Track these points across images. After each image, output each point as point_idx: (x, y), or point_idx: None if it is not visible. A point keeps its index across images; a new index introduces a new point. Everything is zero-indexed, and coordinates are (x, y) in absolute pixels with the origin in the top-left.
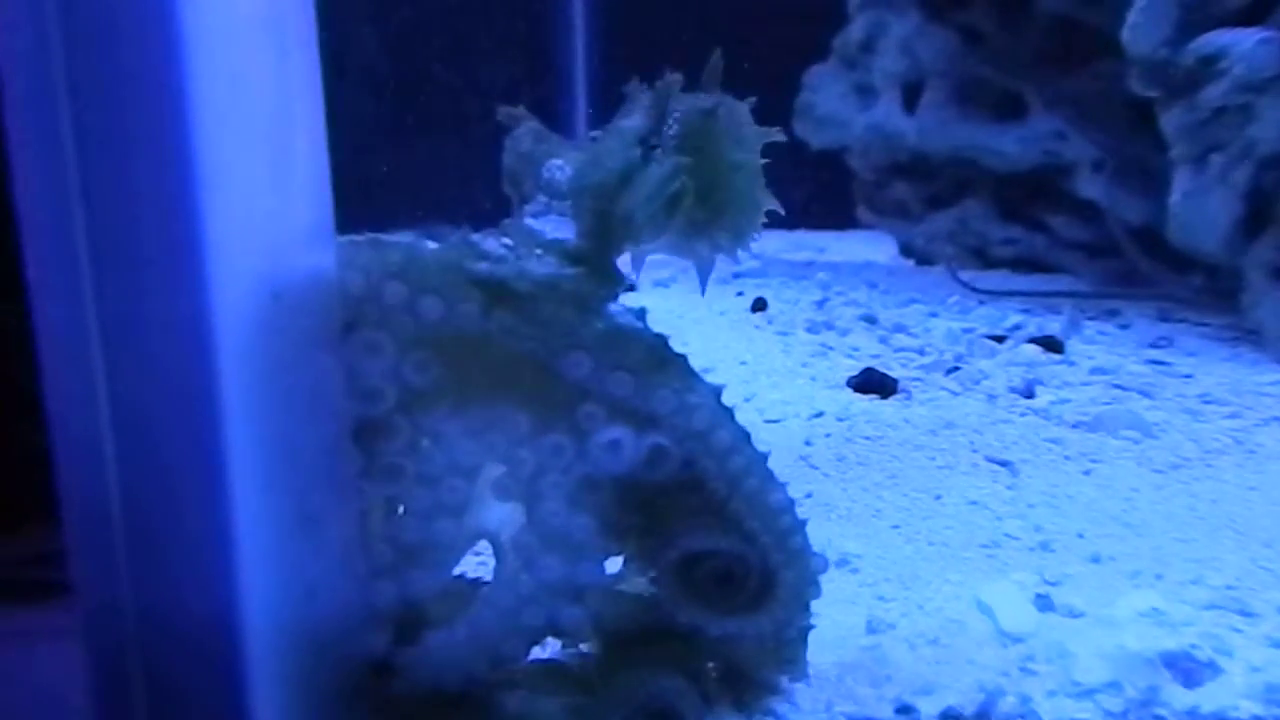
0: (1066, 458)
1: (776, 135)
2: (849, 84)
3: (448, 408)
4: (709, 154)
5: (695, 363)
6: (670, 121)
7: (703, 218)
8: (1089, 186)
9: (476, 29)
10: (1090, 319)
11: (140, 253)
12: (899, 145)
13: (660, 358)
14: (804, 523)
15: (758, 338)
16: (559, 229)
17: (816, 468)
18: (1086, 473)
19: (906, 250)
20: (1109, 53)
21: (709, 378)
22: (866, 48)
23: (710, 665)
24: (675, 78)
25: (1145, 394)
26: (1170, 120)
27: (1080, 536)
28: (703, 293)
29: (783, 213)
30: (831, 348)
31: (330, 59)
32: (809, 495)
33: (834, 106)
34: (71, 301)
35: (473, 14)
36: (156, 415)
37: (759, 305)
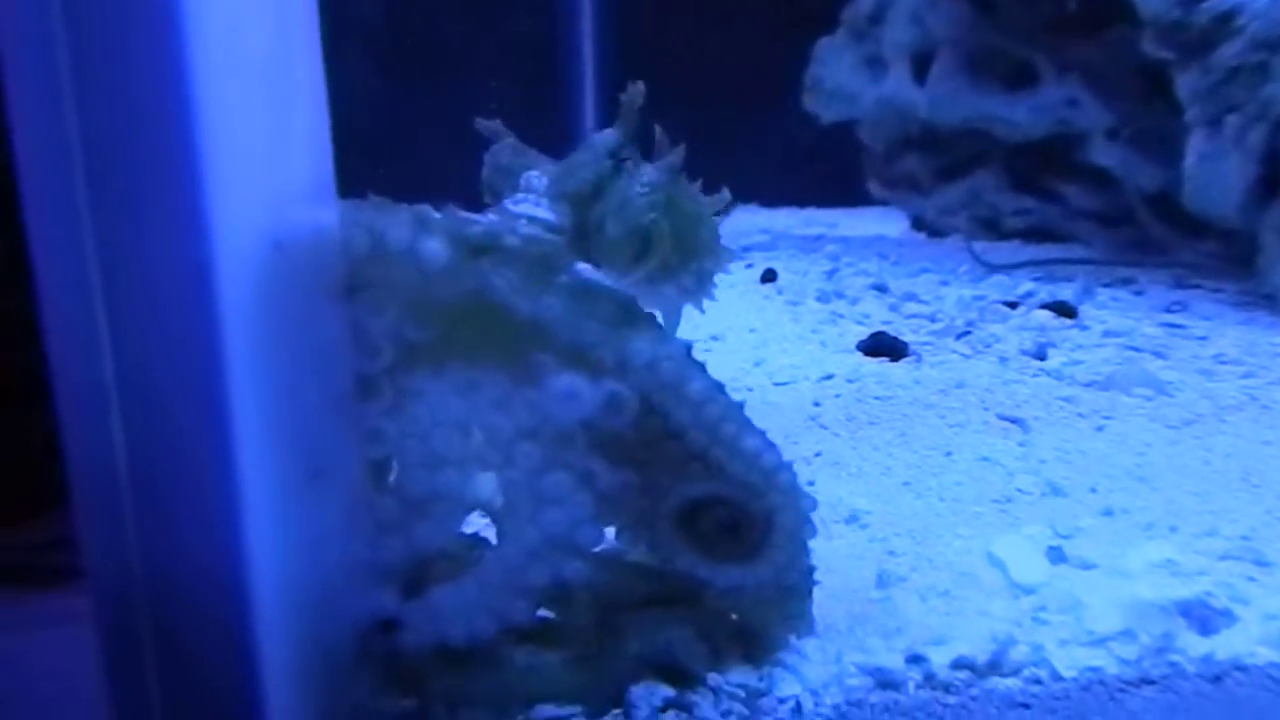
0: (1079, 415)
1: (725, 199)
2: (858, 56)
3: (432, 368)
4: (676, 206)
5: (704, 331)
6: (643, 181)
7: (675, 261)
8: (1102, 154)
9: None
10: (1104, 286)
11: (141, 203)
12: (909, 117)
13: (631, 314)
14: (789, 464)
15: (767, 307)
16: (540, 210)
17: (826, 427)
18: (1099, 429)
19: (918, 224)
20: (1121, 18)
21: (718, 345)
22: (876, 19)
23: (717, 622)
24: (638, 88)
25: (1159, 355)
26: (1184, 83)
27: (1093, 491)
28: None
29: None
30: (841, 316)
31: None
32: (818, 454)
33: (843, 79)
34: (73, 254)
35: None
36: (160, 368)
37: (768, 276)
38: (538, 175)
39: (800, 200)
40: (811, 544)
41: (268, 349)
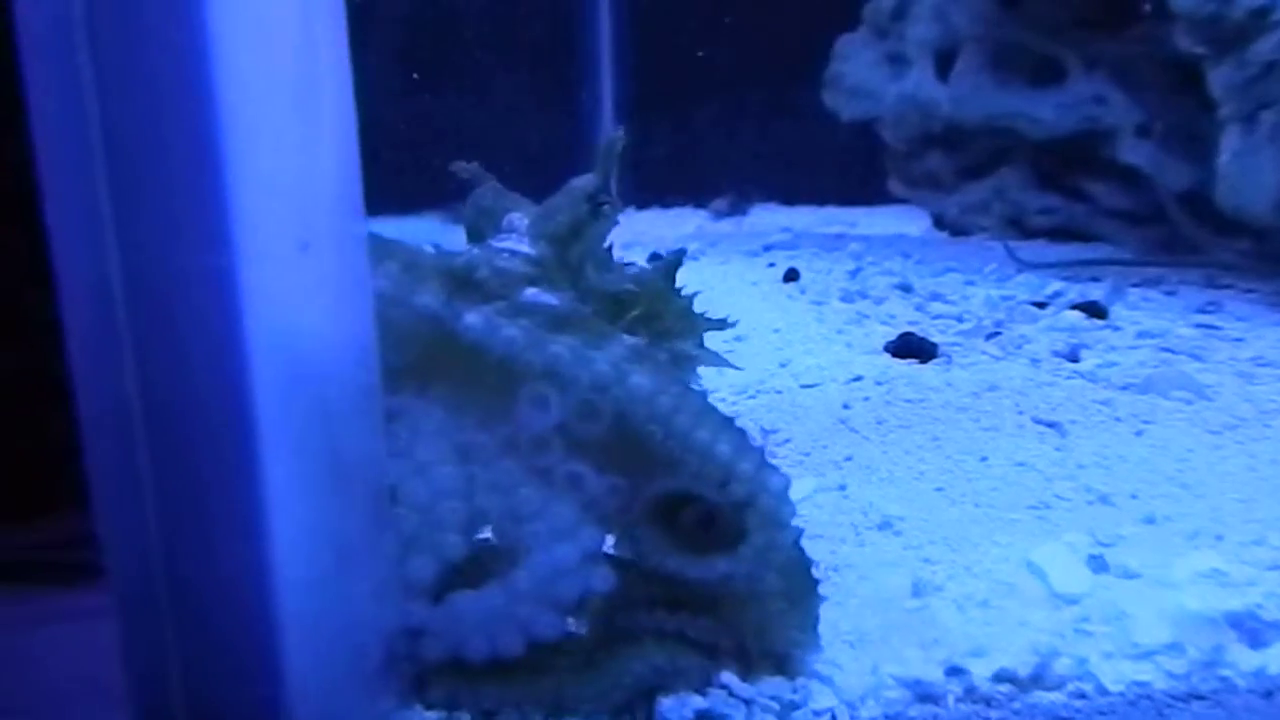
0: (1117, 419)
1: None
2: (880, 53)
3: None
4: (662, 297)
5: (727, 332)
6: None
7: (648, 335)
8: (1132, 152)
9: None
10: (1134, 286)
11: (164, 203)
12: (932, 114)
13: (562, 318)
14: (757, 448)
15: (791, 307)
16: (522, 245)
17: (856, 431)
18: (1138, 434)
19: (939, 223)
20: (1153, 13)
21: (740, 346)
22: (898, 15)
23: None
24: (619, 135)
25: (1195, 357)
26: (1218, 78)
27: (1134, 497)
28: None
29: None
30: (867, 316)
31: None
32: (849, 458)
33: (864, 76)
34: (93, 254)
35: None
36: (183, 371)
37: (791, 276)
38: (519, 216)
39: (820, 198)
40: (844, 551)
41: (291, 345)
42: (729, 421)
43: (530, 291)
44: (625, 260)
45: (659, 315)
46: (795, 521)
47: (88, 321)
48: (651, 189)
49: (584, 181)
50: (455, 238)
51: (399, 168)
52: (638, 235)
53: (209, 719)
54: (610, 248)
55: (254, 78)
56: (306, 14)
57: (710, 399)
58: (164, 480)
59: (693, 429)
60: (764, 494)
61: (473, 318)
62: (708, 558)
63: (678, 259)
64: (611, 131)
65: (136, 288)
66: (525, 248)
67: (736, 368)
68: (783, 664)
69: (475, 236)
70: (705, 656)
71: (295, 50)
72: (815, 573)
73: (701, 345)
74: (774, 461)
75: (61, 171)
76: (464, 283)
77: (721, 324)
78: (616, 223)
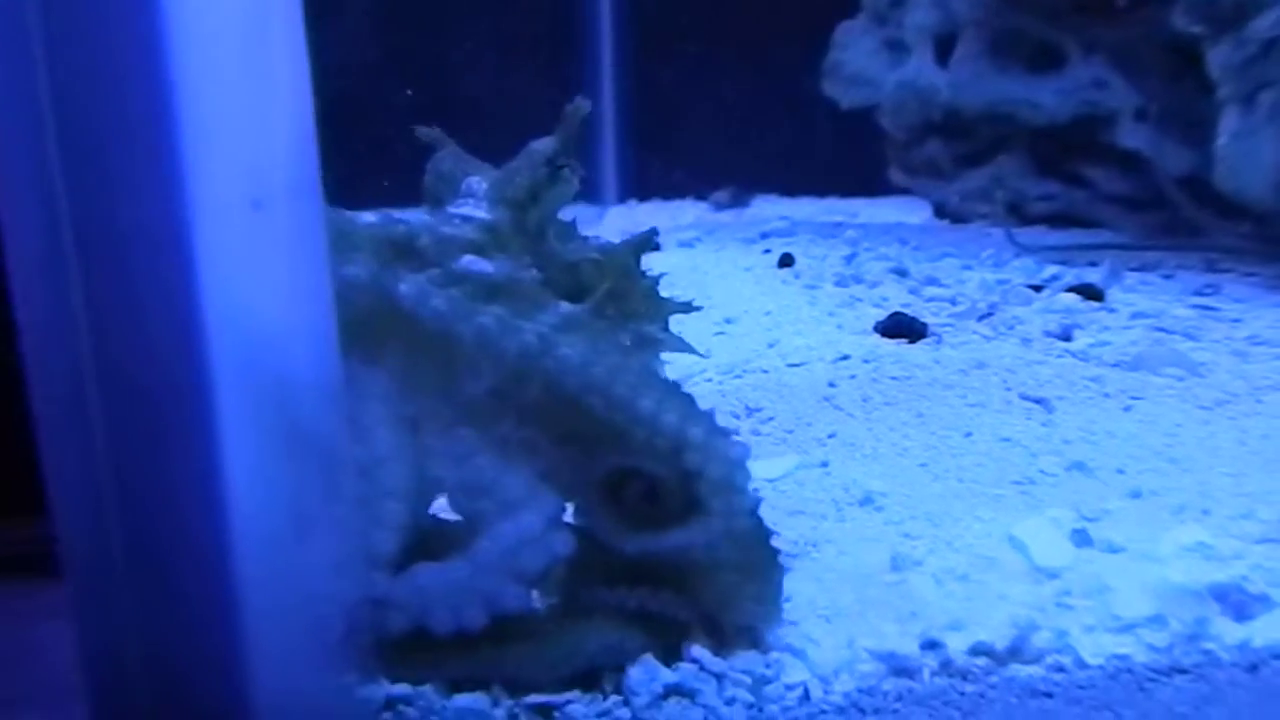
0: (1105, 395)
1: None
2: (879, 40)
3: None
4: (629, 273)
5: (718, 314)
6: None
7: (611, 313)
8: (1131, 136)
9: None
10: (1132, 270)
11: (114, 155)
12: (932, 101)
13: (495, 286)
14: (704, 413)
15: (783, 291)
16: (478, 210)
17: (841, 408)
18: (1127, 409)
19: (940, 211)
20: None
21: (731, 328)
22: (898, 2)
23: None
24: (584, 102)
25: (1190, 336)
26: (1216, 57)
27: (1120, 472)
28: None
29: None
30: (859, 299)
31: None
32: (832, 435)
33: (863, 64)
34: (45, 211)
35: None
36: (136, 328)
37: (786, 261)
38: (478, 180)
39: (820, 189)
40: (825, 527)
41: (246, 305)
42: (675, 388)
43: (467, 259)
44: (596, 237)
45: (625, 294)
46: (771, 496)
47: (38, 280)
48: (652, 181)
49: (544, 144)
50: None
51: (413, 161)
52: (636, 225)
53: (167, 685)
54: (574, 221)
55: (204, 32)
56: None
57: (694, 377)
58: (117, 441)
59: (635, 398)
60: (715, 462)
61: (405, 287)
62: (662, 530)
63: (646, 237)
64: (581, 107)
65: (87, 243)
66: (481, 213)
67: (700, 354)
68: (745, 637)
69: (434, 202)
70: (666, 631)
71: (247, 7)
72: (775, 543)
73: (666, 329)
74: (757, 439)
75: (8, 121)
76: (405, 251)
77: (687, 307)
78: (576, 187)
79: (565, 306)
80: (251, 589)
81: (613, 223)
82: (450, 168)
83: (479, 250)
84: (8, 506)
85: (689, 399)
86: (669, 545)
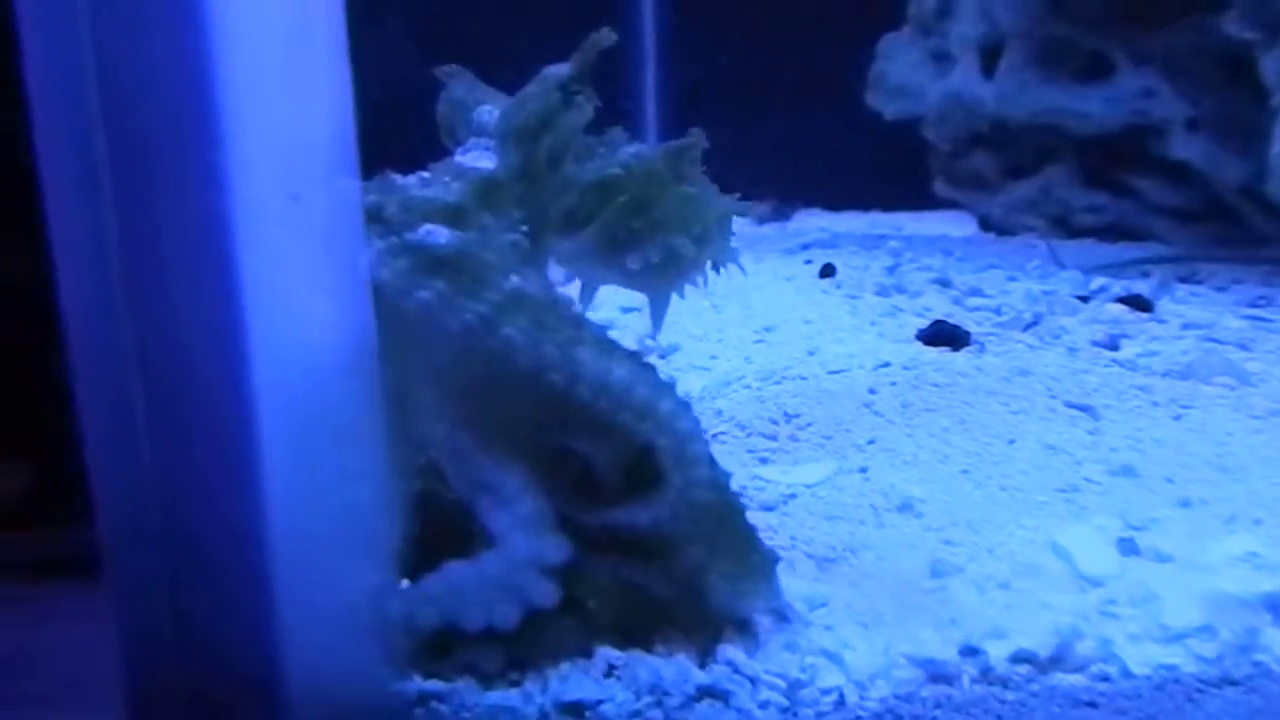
0: (1154, 404)
1: (747, 206)
2: (924, 51)
3: None
4: (660, 181)
5: (757, 322)
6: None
7: (638, 225)
8: (1182, 147)
9: None
10: (1182, 281)
11: (157, 153)
12: (977, 112)
13: (440, 260)
14: (660, 386)
15: (824, 300)
16: (482, 159)
17: (880, 415)
18: (1176, 418)
19: (986, 224)
20: (1202, 5)
21: (770, 336)
22: (943, 13)
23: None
24: (607, 32)
25: (1242, 346)
26: (1270, 63)
27: (1169, 481)
28: (655, 332)
29: (742, 270)
30: (901, 309)
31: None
32: (872, 441)
33: (908, 75)
34: (90, 206)
35: None
36: (176, 324)
37: (827, 271)
38: (489, 110)
39: (864, 203)
40: (863, 532)
41: (286, 295)
42: (629, 359)
43: (424, 229)
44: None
45: (651, 203)
46: (808, 501)
47: (83, 276)
48: None
49: (558, 69)
50: None
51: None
52: None
53: (202, 674)
54: (611, 135)
55: (246, 28)
56: None
57: (733, 384)
58: (158, 431)
59: (580, 375)
60: (668, 433)
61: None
62: (628, 505)
63: (689, 143)
64: (604, 36)
65: (129, 238)
66: (487, 161)
67: (739, 267)
68: (737, 628)
69: (447, 132)
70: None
71: (288, 14)
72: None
73: (706, 239)
74: (795, 445)
75: (56, 116)
76: (374, 219)
77: (732, 211)
78: (590, 115)
79: (512, 283)
80: (287, 578)
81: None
82: (463, 95)
83: (456, 214)
84: (48, 513)
85: (645, 370)
86: (624, 520)
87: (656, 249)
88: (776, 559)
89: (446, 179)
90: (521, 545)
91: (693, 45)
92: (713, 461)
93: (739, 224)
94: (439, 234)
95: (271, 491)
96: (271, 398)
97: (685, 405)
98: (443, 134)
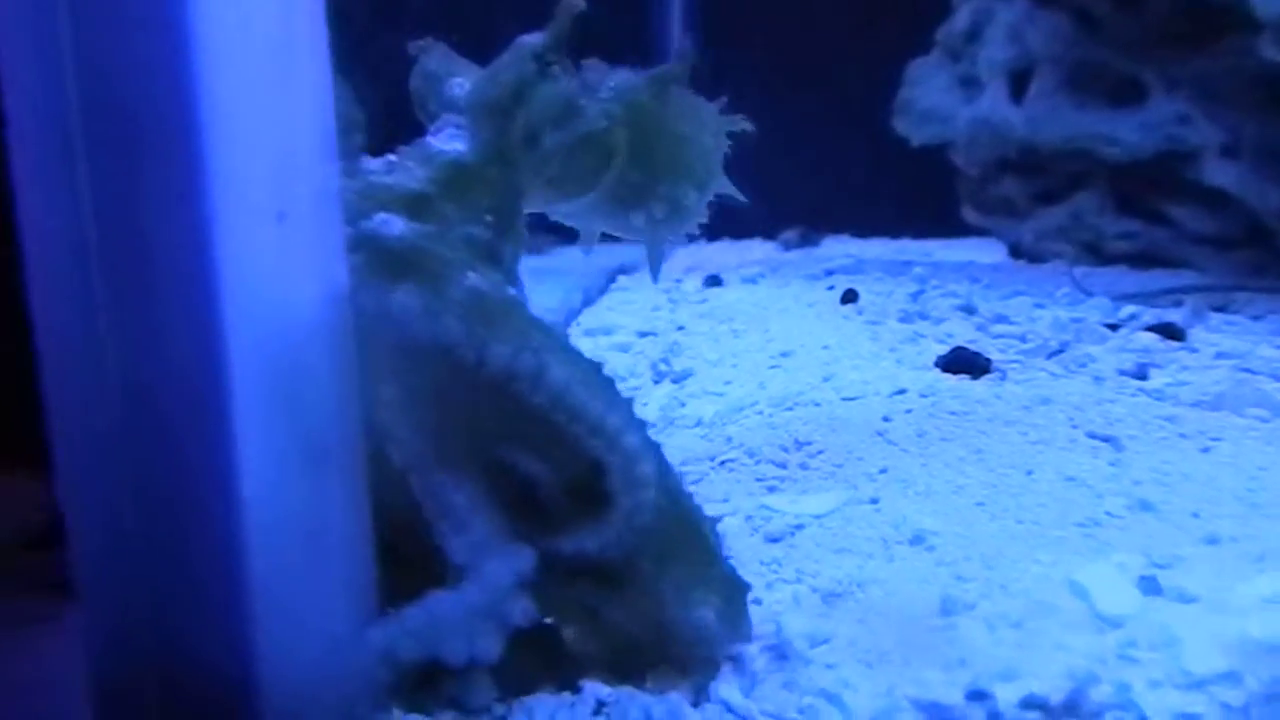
0: (1181, 435)
1: (741, 123)
2: (952, 76)
3: None
4: (645, 118)
5: (774, 348)
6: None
7: (637, 179)
8: (1218, 173)
9: None
10: (1216, 310)
11: (141, 171)
12: (1006, 137)
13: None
14: (615, 399)
15: (845, 326)
16: (454, 141)
17: (894, 443)
18: (1205, 450)
19: (1015, 251)
20: (1238, 28)
21: (786, 362)
22: (972, 37)
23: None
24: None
25: (1277, 377)
26: None
27: (1195, 516)
28: (655, 278)
29: (743, 199)
30: (923, 335)
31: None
32: (884, 471)
33: (936, 100)
34: (71, 222)
35: None
36: (159, 342)
37: (849, 297)
38: (460, 83)
39: (892, 230)
40: (871, 566)
41: (267, 321)
42: (583, 367)
43: (379, 218)
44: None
45: (646, 150)
46: (816, 532)
47: (61, 289)
48: (722, 220)
49: (532, 39)
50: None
51: None
52: (701, 262)
53: (177, 709)
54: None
55: (230, 45)
56: None
57: (745, 410)
58: (137, 448)
59: (529, 377)
60: (616, 452)
61: None
62: (574, 531)
63: (669, 70)
64: (574, 3)
65: (112, 255)
66: (458, 143)
67: (742, 199)
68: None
69: (419, 105)
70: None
71: (274, 10)
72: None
73: (704, 187)
74: (804, 473)
75: (36, 130)
76: None
77: (734, 124)
78: (567, 88)
79: (469, 280)
80: (264, 596)
81: (681, 260)
82: (436, 67)
83: (418, 203)
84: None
85: (602, 383)
86: (569, 548)
87: (660, 203)
88: (747, 586)
89: (410, 164)
90: (499, 571)
91: (720, 72)
92: (671, 474)
93: (765, 250)
94: (394, 225)
95: (252, 514)
96: (254, 418)
97: (639, 421)
98: (416, 109)
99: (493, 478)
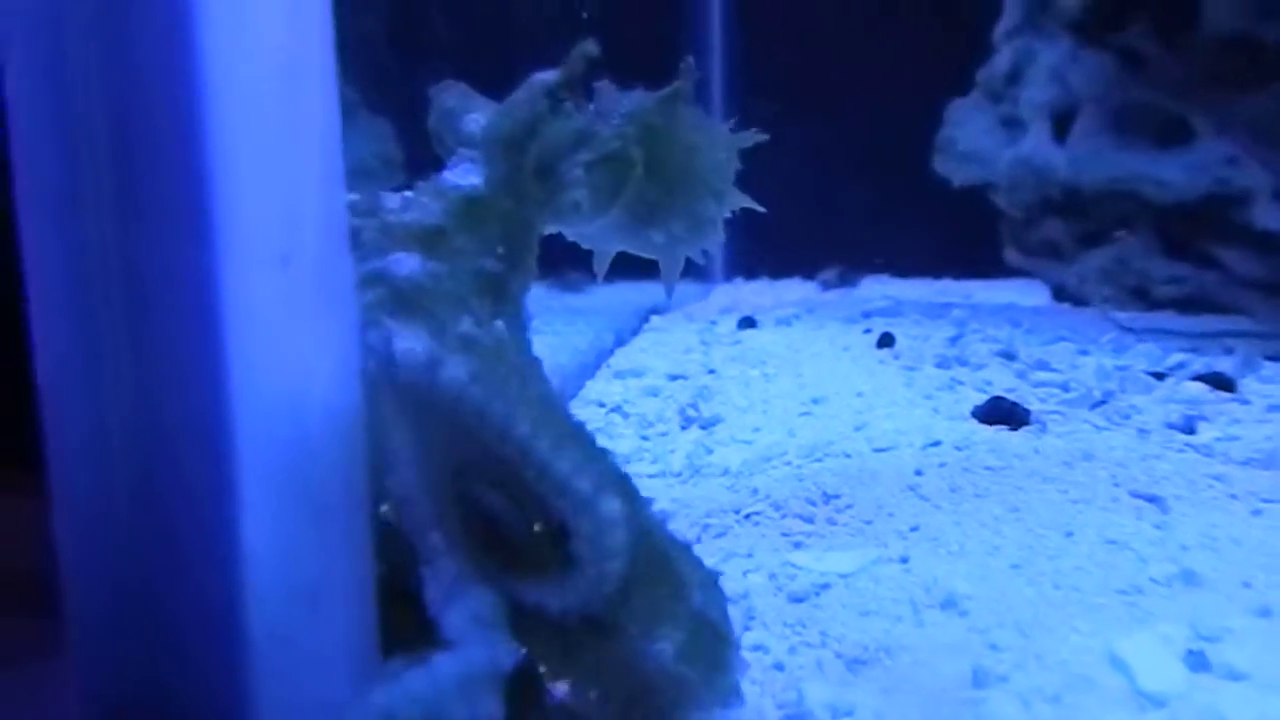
0: (1232, 496)
1: (754, 138)
2: (994, 117)
3: None
4: (660, 137)
5: (806, 394)
6: (620, 111)
7: (654, 197)
8: (1268, 216)
9: None
10: (1269, 359)
11: (146, 215)
12: (1049, 179)
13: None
14: (590, 461)
15: (880, 371)
16: (469, 175)
17: (927, 499)
18: (1256, 513)
19: (1059, 294)
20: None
21: (818, 409)
22: (1013, 79)
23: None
24: (591, 44)
25: None
26: None
27: (1246, 585)
28: (668, 295)
29: (761, 210)
30: (961, 382)
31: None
32: (915, 528)
33: (977, 141)
34: (76, 265)
35: None
36: (160, 388)
37: (885, 341)
38: (476, 119)
39: (933, 270)
40: (899, 631)
41: (273, 368)
42: (569, 426)
43: (395, 257)
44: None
45: (660, 165)
46: (842, 593)
47: (63, 334)
48: (760, 260)
49: (546, 76)
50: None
51: None
52: (737, 302)
53: None
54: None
55: (238, 88)
56: (293, 20)
57: (773, 460)
58: (137, 494)
59: (514, 427)
60: (587, 517)
61: None
62: (538, 583)
63: (677, 88)
64: (587, 48)
65: (115, 300)
66: (473, 177)
67: (758, 207)
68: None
69: (437, 141)
70: None
71: (282, 46)
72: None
73: (721, 199)
74: (831, 529)
75: (42, 172)
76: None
77: (743, 140)
78: (580, 124)
79: (464, 328)
80: (262, 652)
81: (717, 300)
82: (453, 104)
83: (434, 237)
84: None
85: (577, 443)
86: (531, 600)
87: (679, 220)
88: (736, 646)
89: (425, 199)
90: (494, 639)
91: (759, 113)
92: (658, 531)
93: (804, 290)
94: (407, 264)
95: (251, 565)
96: (256, 468)
97: (621, 485)
98: (435, 145)
99: (467, 514)
